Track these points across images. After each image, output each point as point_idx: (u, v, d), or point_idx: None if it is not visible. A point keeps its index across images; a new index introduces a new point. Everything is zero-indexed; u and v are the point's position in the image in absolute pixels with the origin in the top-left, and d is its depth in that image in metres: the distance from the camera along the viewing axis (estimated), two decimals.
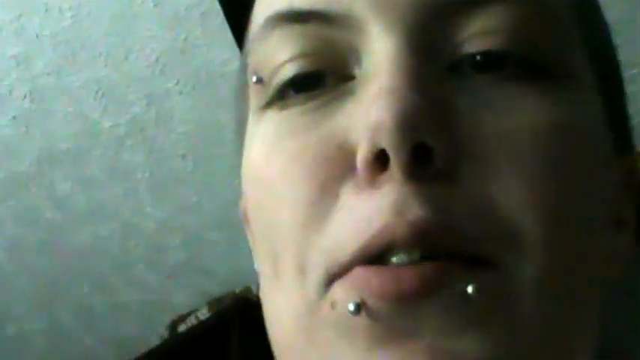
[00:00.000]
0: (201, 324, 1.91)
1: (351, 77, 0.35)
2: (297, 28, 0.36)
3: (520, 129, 0.32)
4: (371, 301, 0.31)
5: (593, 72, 0.37)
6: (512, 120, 0.33)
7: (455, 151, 0.32)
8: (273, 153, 0.35)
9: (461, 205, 0.31)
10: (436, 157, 0.31)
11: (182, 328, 1.99)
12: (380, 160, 0.31)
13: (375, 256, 0.31)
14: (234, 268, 1.91)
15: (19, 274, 2.11)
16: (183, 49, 1.52)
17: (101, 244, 1.96)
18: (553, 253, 0.32)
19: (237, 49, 0.48)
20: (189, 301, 2.04)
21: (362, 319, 0.31)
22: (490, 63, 0.34)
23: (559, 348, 0.33)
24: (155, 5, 1.46)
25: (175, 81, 1.59)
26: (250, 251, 0.41)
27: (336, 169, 0.33)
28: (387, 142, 0.31)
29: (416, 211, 0.31)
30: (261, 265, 0.37)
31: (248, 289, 1.95)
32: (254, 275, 0.41)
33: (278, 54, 0.36)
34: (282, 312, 0.35)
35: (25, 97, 1.64)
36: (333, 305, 0.32)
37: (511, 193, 0.31)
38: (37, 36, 1.52)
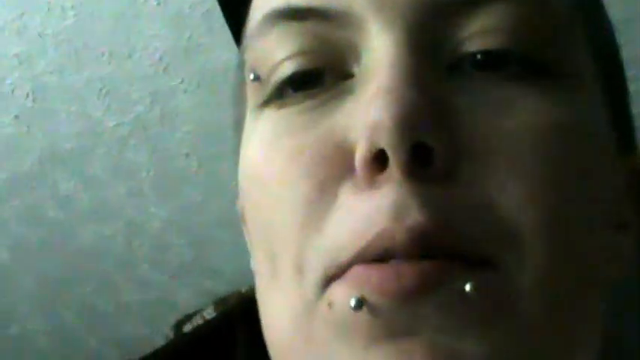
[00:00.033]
0: (207, 324, 1.92)
1: (349, 75, 0.35)
2: (295, 26, 0.36)
3: (520, 129, 0.32)
4: (372, 298, 0.31)
5: (596, 71, 0.37)
6: (513, 120, 0.32)
7: (455, 151, 0.32)
8: (271, 152, 0.35)
9: (461, 206, 0.31)
10: (436, 157, 0.31)
11: (187, 327, 1.99)
12: (379, 160, 0.31)
13: (373, 258, 0.31)
14: (239, 268, 1.91)
15: (22, 274, 2.12)
16: (188, 48, 1.52)
17: (105, 244, 1.97)
18: (553, 254, 0.32)
19: None
20: (194, 300, 2.04)
21: (362, 316, 0.31)
22: (490, 62, 0.34)
23: (559, 348, 0.33)
24: (158, 4, 1.46)
25: (179, 79, 1.59)
26: None
27: (335, 169, 0.33)
28: (385, 142, 0.31)
29: (415, 215, 0.31)
30: (258, 264, 0.37)
31: (254, 289, 1.95)
32: None
33: (276, 52, 0.36)
34: (279, 312, 0.35)
35: (27, 96, 1.64)
36: (330, 305, 0.32)
37: (511, 194, 0.31)
38: (40, 35, 1.53)
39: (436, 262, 0.30)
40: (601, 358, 0.37)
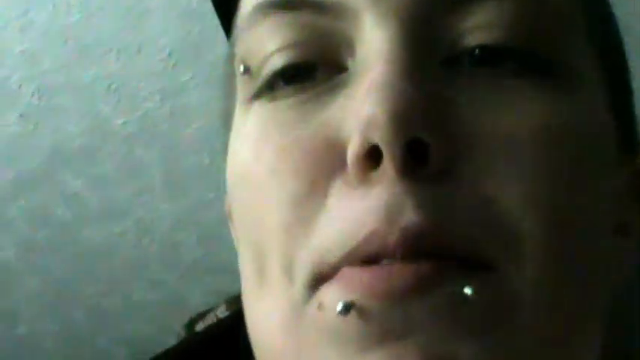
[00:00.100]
0: (220, 322, 1.92)
1: (343, 69, 0.34)
2: (287, 17, 0.35)
3: (520, 127, 0.32)
4: (361, 301, 0.30)
5: (599, 70, 0.37)
6: (513, 118, 0.32)
7: (452, 148, 0.31)
8: (259, 148, 0.35)
9: (458, 207, 0.31)
10: (432, 155, 0.31)
11: (200, 326, 2.00)
12: (372, 157, 0.31)
13: (363, 259, 0.31)
14: None
15: (29, 274, 2.12)
16: (197, 43, 1.52)
17: (114, 243, 1.97)
18: (553, 256, 0.32)
19: None
20: (205, 299, 2.04)
21: (351, 320, 0.30)
22: (488, 58, 0.33)
23: (558, 355, 0.33)
24: None
25: (189, 75, 1.59)
26: None
27: (326, 166, 0.32)
28: (379, 137, 0.30)
29: (409, 215, 0.30)
30: (245, 266, 0.37)
31: None
32: None
33: (267, 43, 0.36)
34: (266, 315, 0.34)
35: (33, 94, 1.65)
36: (320, 307, 0.32)
37: (511, 194, 0.31)
38: (45, 31, 1.53)
39: (431, 263, 0.30)
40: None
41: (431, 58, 0.33)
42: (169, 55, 1.55)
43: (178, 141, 1.72)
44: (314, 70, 0.35)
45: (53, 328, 2.30)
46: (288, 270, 0.33)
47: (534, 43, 0.34)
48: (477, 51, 0.33)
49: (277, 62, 0.35)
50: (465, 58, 0.33)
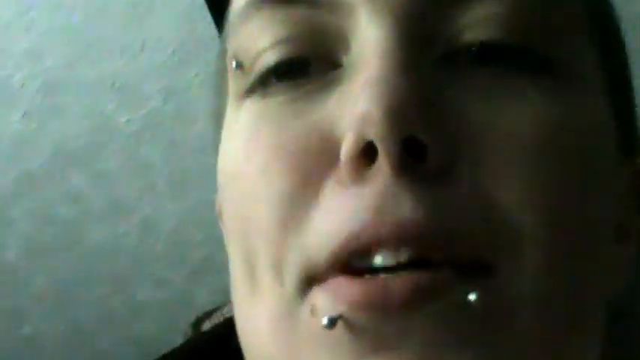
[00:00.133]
0: (226, 322, 1.92)
1: (337, 66, 0.34)
2: (280, 12, 0.35)
3: (521, 126, 0.32)
4: (349, 313, 0.30)
5: (600, 69, 0.36)
6: (513, 116, 0.32)
7: (450, 146, 0.31)
8: (251, 145, 0.34)
9: (456, 207, 0.30)
10: (429, 153, 0.30)
11: (206, 326, 2.00)
12: (366, 155, 0.30)
13: (356, 254, 0.30)
14: None
15: (33, 274, 2.13)
16: (201, 40, 1.52)
17: (119, 242, 1.97)
18: (553, 259, 0.31)
19: None
20: (212, 298, 2.04)
21: (339, 332, 0.30)
22: (487, 54, 0.33)
23: (559, 358, 0.33)
24: None
25: (194, 73, 1.59)
26: None
27: (318, 164, 0.32)
28: (375, 133, 0.30)
29: (404, 210, 0.30)
30: (235, 268, 0.36)
31: None
32: None
33: (260, 38, 0.35)
34: (257, 318, 0.34)
35: (36, 92, 1.65)
36: (313, 311, 0.31)
37: (511, 194, 0.31)
38: (48, 30, 1.53)
39: (428, 274, 0.30)
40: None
41: (428, 55, 0.33)
42: (173, 52, 1.55)
43: (183, 139, 1.72)
44: (307, 67, 0.34)
45: (58, 328, 2.31)
46: (278, 270, 0.32)
47: (534, 41, 0.33)
48: (474, 48, 0.33)
49: (270, 58, 0.35)
50: (463, 55, 0.33)
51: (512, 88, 0.32)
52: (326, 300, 0.31)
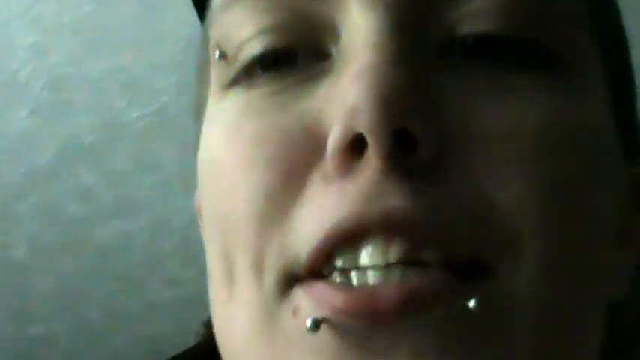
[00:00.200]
0: None
1: (326, 56, 0.33)
2: None
3: (520, 123, 0.31)
4: (334, 318, 0.29)
5: (602, 67, 0.35)
6: (511, 112, 0.31)
7: (442, 140, 0.30)
8: (233, 137, 0.33)
9: (449, 201, 0.29)
10: (421, 147, 0.29)
11: None
12: (355, 148, 0.29)
13: (340, 247, 0.29)
14: None
15: (41, 273, 2.13)
16: None
17: (129, 240, 1.98)
18: (552, 260, 0.30)
19: None
20: None
21: (324, 335, 0.29)
22: (483, 47, 0.32)
23: None
24: None
25: None
26: None
27: (303, 157, 0.31)
28: (364, 125, 0.29)
29: (393, 200, 0.29)
30: (212, 266, 0.35)
31: None
32: None
33: (244, 27, 0.34)
34: (236, 320, 0.33)
35: (43, 88, 1.65)
36: (295, 312, 0.30)
37: (508, 192, 0.30)
38: (56, 23, 1.53)
39: (418, 280, 0.29)
40: None
41: (421, 46, 0.32)
42: (186, 46, 1.54)
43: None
44: (294, 57, 0.33)
45: (67, 327, 2.33)
46: (258, 269, 0.31)
47: (532, 35, 0.32)
48: (470, 40, 0.32)
49: (255, 48, 0.34)
50: (459, 47, 0.32)
51: (509, 83, 0.32)
52: (309, 303, 0.30)
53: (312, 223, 0.30)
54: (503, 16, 0.32)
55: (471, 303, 0.28)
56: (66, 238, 2.02)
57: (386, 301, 0.28)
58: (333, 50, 0.33)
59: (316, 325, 0.29)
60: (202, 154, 0.36)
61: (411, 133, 0.29)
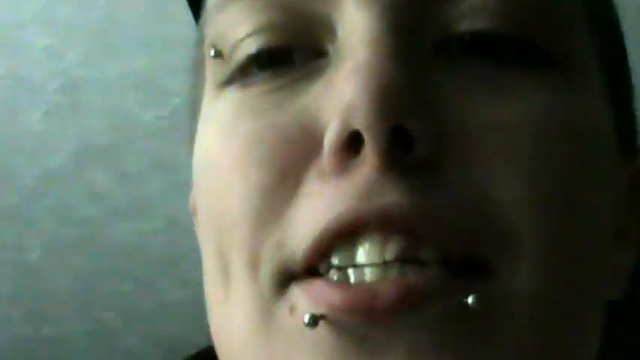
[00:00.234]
0: None
1: (323, 54, 0.33)
2: None
3: (517, 120, 0.31)
4: (332, 315, 0.29)
5: (600, 66, 0.35)
6: (508, 109, 0.31)
7: (439, 137, 0.30)
8: (229, 135, 0.33)
9: (448, 200, 0.29)
10: (418, 145, 0.29)
11: None
12: (351, 145, 0.29)
13: (337, 243, 0.29)
14: None
15: (56, 273, 2.14)
16: None
17: (144, 241, 1.99)
18: (552, 259, 0.30)
19: None
20: None
21: (322, 332, 0.29)
22: (480, 45, 0.32)
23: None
24: None
25: None
26: None
27: (300, 154, 0.31)
28: (361, 122, 0.29)
29: (390, 197, 0.29)
30: (208, 265, 0.35)
31: None
32: None
33: (240, 25, 0.34)
34: (232, 319, 0.33)
35: (57, 90, 1.66)
36: (292, 310, 0.30)
37: (507, 189, 0.30)
38: (69, 26, 1.53)
39: (416, 277, 0.28)
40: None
41: (418, 44, 0.31)
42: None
43: None
44: (290, 56, 0.33)
45: (83, 328, 2.34)
46: (254, 267, 0.31)
47: (530, 33, 0.32)
48: (467, 37, 0.32)
49: (251, 46, 0.33)
50: (456, 45, 0.32)
51: (507, 81, 0.31)
52: (306, 301, 0.30)
53: (309, 220, 0.30)
54: (500, 13, 0.32)
55: (469, 300, 0.28)
56: (80, 239, 2.03)
57: (383, 299, 0.28)
58: (330, 48, 0.33)
59: (314, 320, 0.29)
60: (197, 154, 0.36)
61: (408, 131, 0.29)
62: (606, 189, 0.34)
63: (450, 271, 0.29)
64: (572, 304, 0.32)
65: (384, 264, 0.29)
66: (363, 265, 0.29)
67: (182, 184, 1.80)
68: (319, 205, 0.30)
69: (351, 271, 0.29)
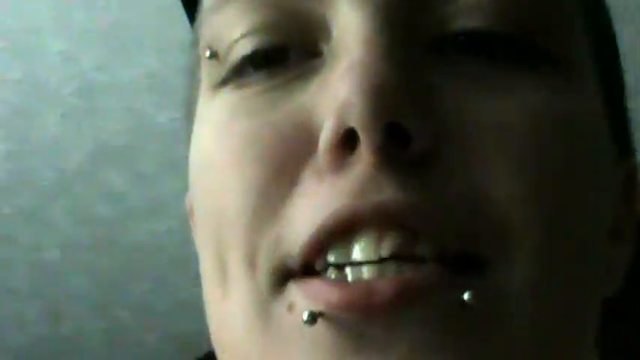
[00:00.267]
0: None
1: (317, 54, 0.33)
2: None
3: (515, 117, 0.31)
4: (330, 312, 0.29)
5: (594, 66, 0.35)
6: (506, 106, 0.31)
7: (435, 134, 0.30)
8: (225, 135, 0.33)
9: (442, 195, 0.29)
10: (414, 142, 0.29)
11: None
12: (347, 143, 0.29)
13: (333, 240, 0.29)
14: None
15: (73, 273, 2.16)
16: None
17: (160, 241, 2.00)
18: (548, 256, 0.30)
19: None
20: None
21: (322, 328, 0.29)
22: (475, 43, 0.32)
23: (553, 357, 0.31)
24: None
25: None
26: None
27: (295, 152, 0.31)
28: (356, 119, 0.29)
29: (386, 194, 0.29)
30: (205, 265, 0.35)
31: None
32: None
33: (236, 26, 0.34)
34: (230, 317, 0.32)
35: (73, 93, 1.67)
36: (290, 308, 0.30)
37: (504, 186, 0.30)
38: (84, 31, 1.54)
39: (413, 273, 0.28)
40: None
41: (413, 42, 0.31)
42: None
43: None
44: (286, 55, 0.33)
45: (99, 326, 2.34)
46: (251, 264, 0.31)
47: (526, 31, 0.32)
48: (462, 36, 0.32)
49: (246, 47, 0.34)
50: (451, 43, 0.32)
51: (503, 79, 0.31)
52: (304, 299, 0.30)
53: (305, 217, 0.30)
54: (494, 12, 0.32)
55: (466, 295, 0.28)
56: (97, 239, 2.05)
57: (381, 295, 0.28)
58: (324, 48, 0.33)
59: (313, 318, 0.28)
60: (193, 154, 0.36)
61: (405, 129, 0.29)
62: (602, 187, 0.34)
63: (446, 267, 0.29)
64: (570, 301, 0.31)
65: (381, 261, 0.29)
66: (359, 263, 0.29)
67: None
68: (315, 202, 0.30)
69: (348, 270, 0.29)
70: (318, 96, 0.31)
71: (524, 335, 0.30)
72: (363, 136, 0.29)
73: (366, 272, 0.29)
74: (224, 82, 0.34)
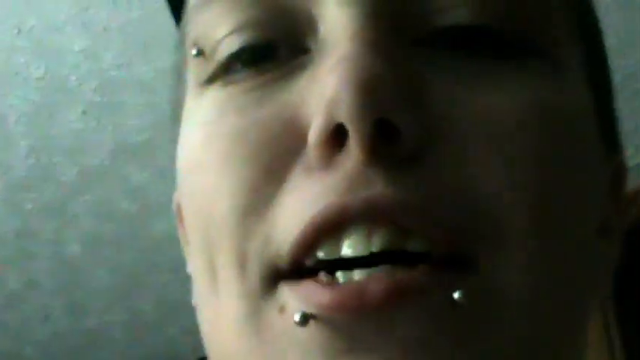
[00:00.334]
0: None
1: (305, 50, 0.32)
2: None
3: (502, 110, 0.30)
4: (322, 314, 0.28)
5: (583, 61, 0.35)
6: (495, 100, 0.30)
7: (424, 129, 0.29)
8: (212, 133, 0.32)
9: (432, 191, 0.29)
10: (403, 136, 0.29)
11: None
12: (336, 138, 0.29)
13: (322, 237, 0.29)
14: None
15: (96, 267, 2.19)
16: None
17: (179, 235, 2.00)
18: (539, 252, 0.30)
19: None
20: None
21: (313, 329, 0.28)
22: (464, 37, 0.32)
23: (545, 355, 0.31)
24: None
25: None
26: None
27: (284, 150, 0.30)
28: (345, 115, 0.28)
29: (375, 189, 0.28)
30: (195, 267, 0.35)
31: None
32: None
33: (222, 24, 0.33)
34: (222, 319, 0.32)
35: (94, 90, 1.68)
36: (282, 310, 0.30)
37: (492, 181, 0.29)
38: (105, 29, 1.56)
39: (404, 273, 0.28)
40: None
41: (401, 37, 0.31)
42: None
43: None
44: (273, 52, 0.33)
45: (122, 319, 2.36)
46: (241, 265, 0.31)
47: (514, 25, 0.32)
48: (450, 31, 0.32)
49: (233, 44, 0.33)
50: (440, 37, 0.32)
51: (492, 73, 0.31)
52: (295, 301, 0.29)
53: (294, 214, 0.29)
54: (482, 6, 0.31)
55: (456, 295, 0.28)
56: (119, 233, 2.07)
57: (372, 295, 0.28)
58: (312, 45, 0.32)
59: (305, 319, 0.28)
60: (181, 154, 0.35)
61: (394, 124, 0.29)
62: (591, 183, 0.33)
63: (436, 267, 0.28)
64: (560, 299, 0.31)
65: (372, 258, 0.29)
66: (350, 261, 0.29)
67: None
68: (304, 199, 0.29)
69: (339, 273, 0.29)
70: (306, 92, 0.31)
71: (515, 333, 0.30)
72: (352, 132, 0.28)
73: (357, 274, 0.29)
74: (211, 79, 0.34)
